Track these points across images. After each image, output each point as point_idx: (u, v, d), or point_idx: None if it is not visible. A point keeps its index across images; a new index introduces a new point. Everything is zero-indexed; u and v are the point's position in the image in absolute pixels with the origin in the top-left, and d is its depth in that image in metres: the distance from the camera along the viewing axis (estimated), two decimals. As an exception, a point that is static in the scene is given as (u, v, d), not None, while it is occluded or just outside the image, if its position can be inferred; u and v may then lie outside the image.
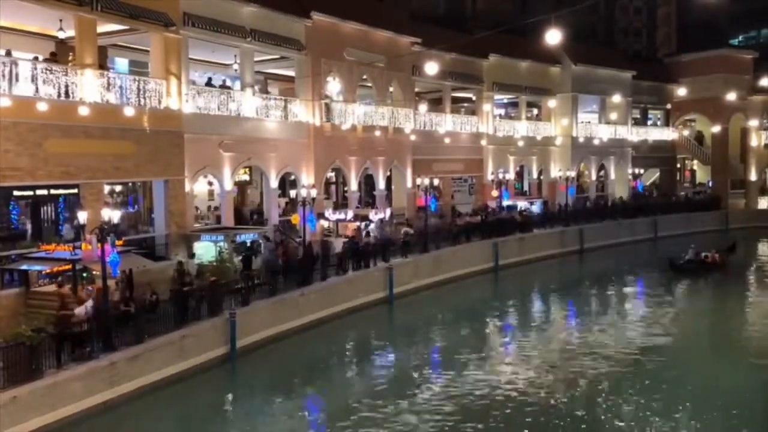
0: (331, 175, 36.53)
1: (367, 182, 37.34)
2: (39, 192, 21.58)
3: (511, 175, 44.35)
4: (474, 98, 43.90)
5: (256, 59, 29.19)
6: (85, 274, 20.76)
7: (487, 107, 43.09)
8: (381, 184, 35.83)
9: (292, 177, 32.05)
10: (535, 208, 43.90)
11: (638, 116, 56.03)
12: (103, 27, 22.97)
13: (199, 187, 28.18)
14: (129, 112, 22.69)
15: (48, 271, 20.46)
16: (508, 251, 37.72)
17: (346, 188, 36.08)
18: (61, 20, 22.69)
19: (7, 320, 18.63)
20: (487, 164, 43.19)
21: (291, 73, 32.51)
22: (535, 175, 47.89)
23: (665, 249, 45.29)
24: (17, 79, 19.71)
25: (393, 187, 38.06)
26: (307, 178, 31.13)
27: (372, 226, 31.31)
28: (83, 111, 21.26)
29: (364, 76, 34.42)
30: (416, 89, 39.45)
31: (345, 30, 32.96)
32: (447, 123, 39.85)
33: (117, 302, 19.53)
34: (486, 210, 39.98)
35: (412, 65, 36.56)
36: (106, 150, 22.29)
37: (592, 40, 65.41)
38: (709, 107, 55.23)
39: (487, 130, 42.84)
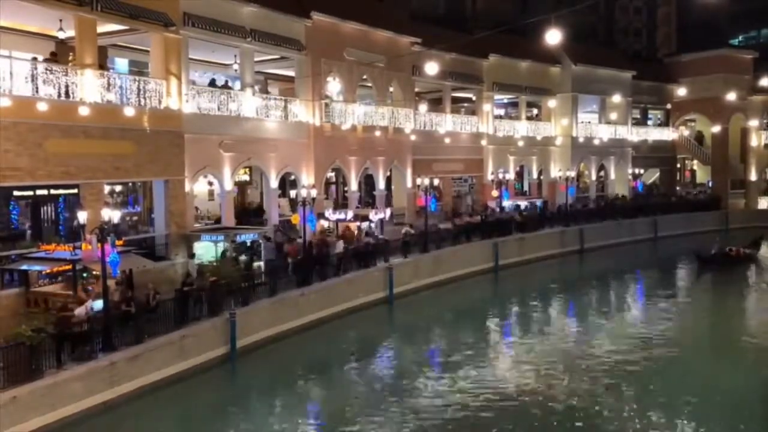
0: (331, 175, 36.52)
1: (367, 182, 37.34)
2: (39, 192, 21.56)
3: (511, 175, 44.36)
4: (474, 98, 43.90)
5: (256, 59, 29.19)
6: (85, 274, 20.76)
7: (487, 107, 43.10)
8: (381, 184, 35.83)
9: (292, 177, 32.04)
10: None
11: (638, 116, 56.05)
12: (103, 27, 22.97)
13: (199, 187, 28.17)
14: (129, 112, 22.69)
15: (48, 271, 20.47)
16: (508, 251, 37.72)
17: (346, 188, 36.08)
18: (61, 20, 22.67)
19: (7, 320, 18.64)
20: (487, 164, 43.20)
21: (291, 73, 32.51)
22: (535, 175, 47.90)
23: (665, 249, 45.59)
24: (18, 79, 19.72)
25: (393, 187, 38.06)
26: (307, 178, 31.13)
27: (372, 226, 31.33)
28: (83, 111, 21.25)
29: (364, 76, 34.42)
30: (416, 89, 39.45)
31: (345, 30, 32.96)
32: (447, 123, 39.85)
33: (117, 302, 19.53)
34: (486, 210, 40.01)
35: (412, 65, 36.56)
36: (106, 150, 22.28)
37: (592, 40, 65.41)
38: (709, 107, 55.23)
39: (487, 130, 42.85)
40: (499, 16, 62.95)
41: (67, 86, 20.95)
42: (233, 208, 28.33)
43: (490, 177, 42.86)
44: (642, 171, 55.93)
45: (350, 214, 31.25)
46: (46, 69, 20.68)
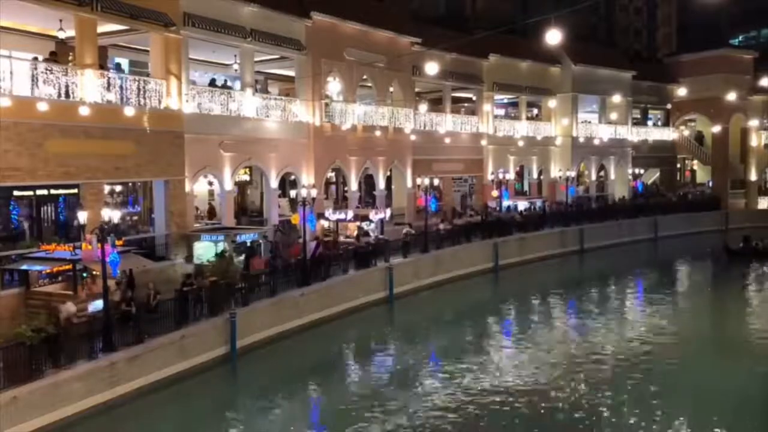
0: (331, 175, 36.51)
1: (367, 182, 37.33)
2: (39, 192, 21.53)
3: (511, 175, 44.35)
4: (474, 98, 43.88)
5: (256, 59, 29.18)
6: (84, 275, 20.76)
7: (487, 107, 43.09)
8: (381, 184, 35.83)
9: (292, 177, 32.04)
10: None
11: (638, 116, 56.03)
12: (103, 27, 22.96)
13: (199, 187, 28.17)
14: (129, 112, 22.69)
15: (48, 271, 20.48)
16: (508, 251, 37.72)
17: (346, 188, 36.07)
18: (61, 20, 22.65)
19: (7, 320, 18.63)
20: (487, 164, 43.19)
21: (291, 73, 32.51)
22: (535, 175, 47.89)
23: (666, 249, 45.59)
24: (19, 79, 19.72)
25: (393, 187, 38.05)
26: (307, 178, 31.13)
27: (372, 226, 31.33)
28: (83, 111, 21.24)
29: (364, 76, 34.42)
30: (416, 89, 39.44)
31: (345, 30, 32.96)
32: (447, 123, 39.85)
33: (117, 302, 19.53)
34: (486, 210, 40.02)
35: (412, 65, 36.56)
36: (106, 150, 22.26)
37: (592, 40, 65.34)
38: (709, 107, 55.20)
39: (487, 130, 42.84)
40: (499, 16, 63.04)
41: (67, 86, 20.94)
42: (233, 209, 28.34)
43: (490, 177, 42.85)
44: (642, 171, 55.96)
45: (350, 214, 31.25)
46: (46, 69, 20.67)
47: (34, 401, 15.89)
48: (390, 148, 35.69)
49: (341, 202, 36.58)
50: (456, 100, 43.63)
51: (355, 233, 30.71)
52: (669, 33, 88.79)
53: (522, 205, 43.00)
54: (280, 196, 31.48)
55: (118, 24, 23.39)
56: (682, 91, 53.67)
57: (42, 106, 20.12)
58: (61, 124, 20.91)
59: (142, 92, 23.33)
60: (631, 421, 17.03)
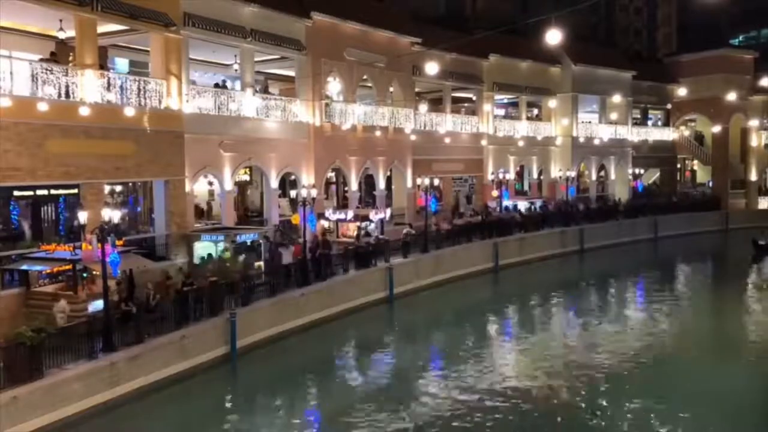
0: (331, 175, 36.52)
1: (367, 182, 37.32)
2: (39, 192, 21.53)
3: (511, 175, 44.34)
4: (474, 98, 43.87)
5: (256, 59, 29.17)
6: (85, 275, 20.76)
7: (487, 107, 43.09)
8: (381, 184, 35.82)
9: (293, 177, 32.04)
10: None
11: (638, 116, 56.02)
12: (104, 27, 22.95)
13: (199, 187, 28.17)
14: (129, 112, 22.67)
15: (48, 271, 20.47)
16: (508, 251, 37.72)
17: (346, 188, 36.07)
18: (61, 20, 22.65)
19: (7, 320, 18.63)
20: (488, 164, 43.18)
21: (291, 73, 32.51)
22: (535, 175, 47.88)
23: (666, 249, 45.59)
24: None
25: (393, 187, 38.04)
26: (307, 178, 31.12)
27: (372, 226, 31.33)
28: (83, 111, 21.22)
29: (365, 76, 34.41)
30: (416, 89, 39.43)
31: (345, 30, 32.95)
32: (447, 123, 39.84)
33: (117, 302, 19.53)
34: (486, 210, 40.01)
35: (412, 65, 36.55)
36: (106, 150, 22.25)
37: (592, 40, 65.35)
38: (709, 107, 55.20)
39: (487, 130, 42.83)
40: (499, 16, 63.05)
41: (67, 86, 20.94)
42: (233, 209, 28.34)
43: (490, 177, 42.84)
44: (642, 171, 55.94)
45: (350, 214, 31.25)
46: (46, 69, 20.66)
47: (34, 401, 15.88)
48: (390, 148, 35.69)
49: (341, 202, 36.64)
50: (456, 100, 43.62)
51: (355, 233, 30.70)
52: (669, 33, 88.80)
53: (522, 205, 42.99)
54: (280, 196, 31.49)
55: (118, 24, 23.38)
56: (682, 91, 53.63)
57: (42, 106, 20.11)
58: (62, 124, 20.89)
59: (142, 92, 23.32)
60: (632, 421, 17.02)
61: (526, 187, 49.69)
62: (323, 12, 31.23)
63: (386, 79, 35.47)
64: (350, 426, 16.93)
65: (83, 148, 21.54)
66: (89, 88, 21.48)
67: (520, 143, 45.21)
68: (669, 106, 57.34)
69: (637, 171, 54.41)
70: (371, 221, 31.57)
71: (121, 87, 22.74)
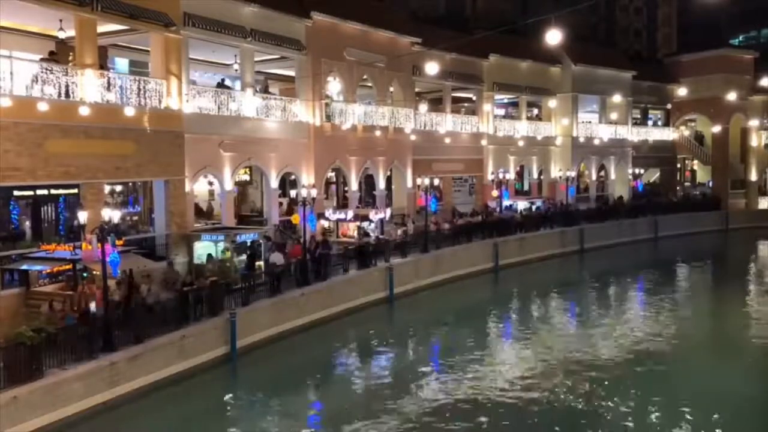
0: (331, 175, 36.53)
1: (367, 182, 37.32)
2: (39, 192, 21.52)
3: (511, 175, 44.35)
4: (474, 98, 43.88)
5: (256, 59, 29.17)
6: (85, 274, 20.76)
7: (487, 107, 43.09)
8: (381, 184, 35.82)
9: (293, 177, 32.05)
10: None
11: (638, 116, 56.02)
12: (103, 27, 22.95)
13: (199, 187, 28.17)
14: (129, 112, 22.67)
15: (48, 271, 20.47)
16: (508, 251, 37.72)
17: (346, 188, 36.07)
18: (61, 20, 22.63)
19: (7, 320, 18.62)
20: (488, 164, 43.18)
21: (291, 73, 32.51)
22: (535, 175, 47.89)
23: (667, 249, 45.61)
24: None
25: (393, 187, 38.04)
26: (307, 178, 31.12)
27: (372, 226, 31.33)
28: (83, 111, 21.21)
29: (365, 76, 34.42)
30: (416, 89, 39.43)
31: (345, 30, 32.96)
32: (447, 123, 39.85)
33: (117, 302, 19.52)
34: (487, 210, 40.00)
35: (412, 65, 36.55)
36: (106, 150, 22.25)
37: (592, 40, 65.37)
38: (709, 107, 55.18)
39: (487, 130, 42.84)
40: (499, 16, 63.13)
41: (67, 86, 20.94)
42: (233, 209, 28.34)
43: (490, 177, 42.84)
44: (642, 171, 55.94)
45: (350, 214, 31.25)
46: (46, 69, 20.66)
47: (34, 401, 15.87)
48: (390, 148, 35.69)
49: (341, 201, 36.63)
50: (456, 100, 43.62)
51: (355, 233, 30.71)
52: (669, 33, 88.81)
53: (522, 205, 42.99)
54: (280, 196, 31.49)
55: (118, 24, 23.37)
56: (682, 91, 53.59)
57: (42, 106, 20.11)
58: (62, 124, 20.88)
59: (142, 92, 23.32)
60: (632, 421, 17.02)
61: (526, 187, 49.69)
62: (323, 12, 31.23)
63: (386, 79, 35.47)
64: (350, 426, 16.91)
65: (83, 148, 21.53)
66: (89, 87, 21.47)
67: (520, 143, 45.21)
68: (669, 106, 57.34)
69: (637, 171, 54.40)
70: (371, 221, 31.57)
71: (121, 87, 22.75)
